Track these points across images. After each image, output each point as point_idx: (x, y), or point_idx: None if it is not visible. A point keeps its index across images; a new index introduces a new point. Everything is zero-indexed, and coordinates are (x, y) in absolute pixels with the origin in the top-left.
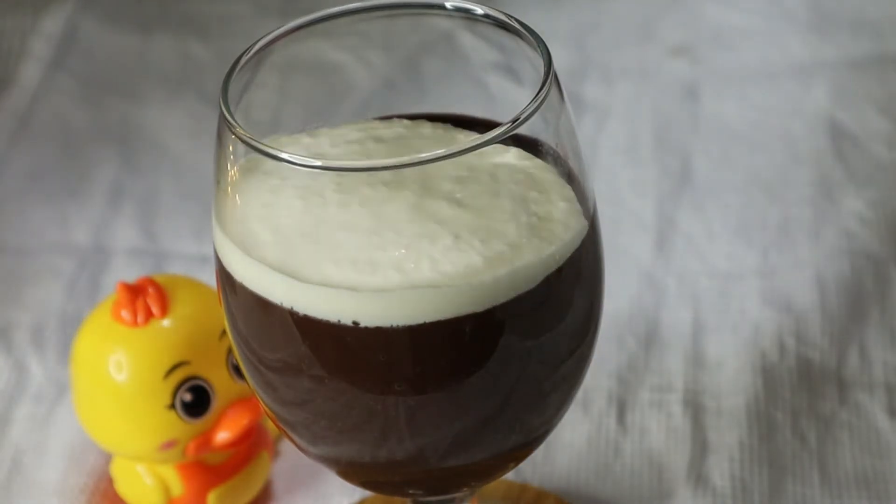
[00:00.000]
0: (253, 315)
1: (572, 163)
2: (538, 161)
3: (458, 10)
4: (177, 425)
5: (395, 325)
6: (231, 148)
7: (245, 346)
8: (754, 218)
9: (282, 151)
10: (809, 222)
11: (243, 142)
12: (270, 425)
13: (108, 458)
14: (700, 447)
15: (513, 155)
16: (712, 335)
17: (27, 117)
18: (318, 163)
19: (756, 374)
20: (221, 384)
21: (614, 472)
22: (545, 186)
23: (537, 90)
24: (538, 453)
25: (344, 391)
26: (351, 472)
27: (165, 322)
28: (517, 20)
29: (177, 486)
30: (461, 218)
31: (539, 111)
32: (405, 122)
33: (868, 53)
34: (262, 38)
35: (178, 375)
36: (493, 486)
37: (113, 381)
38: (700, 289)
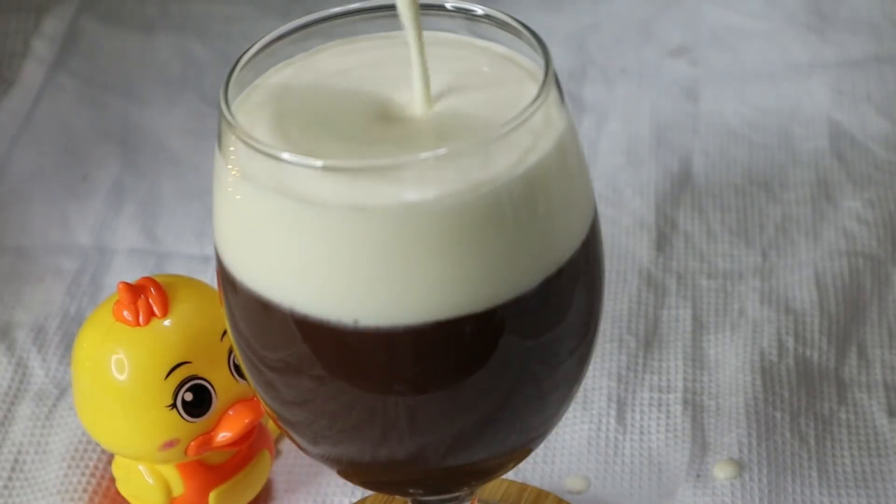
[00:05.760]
0: (253, 315)
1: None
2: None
3: (458, 10)
4: (178, 425)
5: (394, 324)
6: (231, 148)
7: (246, 346)
8: (754, 218)
9: (282, 152)
10: (808, 222)
11: (243, 142)
12: (271, 425)
13: (109, 457)
14: (700, 447)
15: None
16: (712, 335)
17: (29, 117)
18: (319, 163)
19: (755, 373)
20: (222, 384)
21: (614, 471)
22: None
23: (537, 90)
24: (538, 453)
25: (344, 391)
26: (351, 471)
27: (167, 322)
28: (517, 20)
29: (178, 485)
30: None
31: (539, 111)
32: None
33: (867, 54)
34: (262, 38)
35: (180, 375)
36: (493, 486)
37: (114, 381)
38: (700, 288)
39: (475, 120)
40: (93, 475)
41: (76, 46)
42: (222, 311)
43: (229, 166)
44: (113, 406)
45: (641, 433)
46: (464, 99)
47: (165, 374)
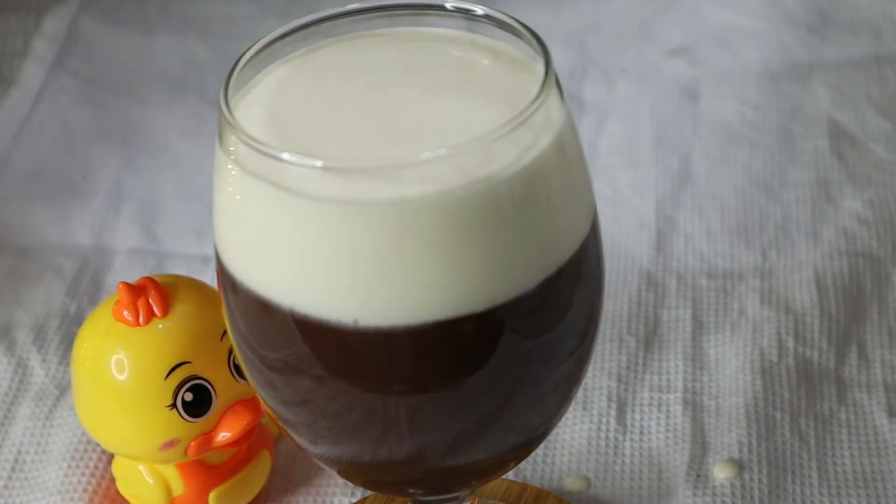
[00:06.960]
0: (253, 315)
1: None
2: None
3: (458, 10)
4: (178, 425)
5: (394, 324)
6: (231, 147)
7: (246, 345)
8: (754, 218)
9: (282, 151)
10: (808, 222)
11: (243, 142)
12: (271, 425)
13: (109, 457)
14: (700, 447)
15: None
16: (712, 335)
17: (29, 117)
18: (320, 163)
19: (755, 373)
20: (222, 384)
21: (614, 471)
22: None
23: (537, 90)
24: (538, 453)
25: (344, 391)
26: (351, 471)
27: (167, 322)
28: (517, 20)
29: (178, 485)
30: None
31: (539, 110)
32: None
33: (867, 54)
34: (262, 38)
35: (180, 375)
36: (493, 486)
37: (114, 381)
38: (700, 288)
39: (475, 118)
40: (93, 475)
41: (76, 46)
42: (222, 311)
43: (229, 166)
44: (113, 406)
45: (641, 433)
46: (463, 96)
47: (165, 374)
